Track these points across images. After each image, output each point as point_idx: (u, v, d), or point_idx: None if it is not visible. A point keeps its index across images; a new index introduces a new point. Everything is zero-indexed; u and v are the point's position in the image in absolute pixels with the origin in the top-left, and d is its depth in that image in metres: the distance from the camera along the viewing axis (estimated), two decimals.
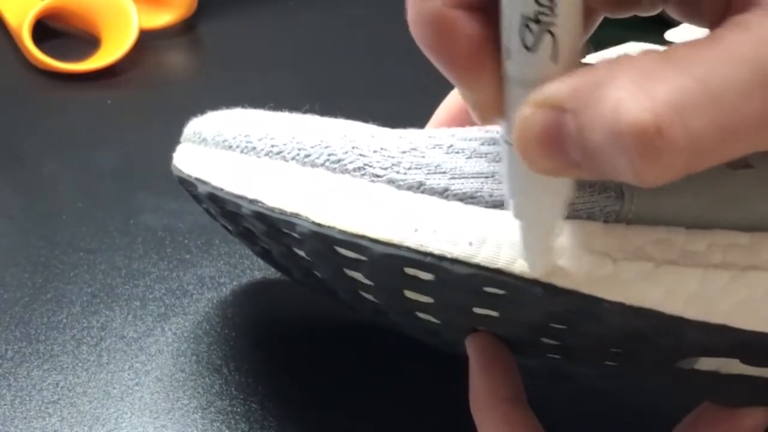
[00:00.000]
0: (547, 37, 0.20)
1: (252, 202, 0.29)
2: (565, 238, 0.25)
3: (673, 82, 0.18)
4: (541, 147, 0.20)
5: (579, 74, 0.19)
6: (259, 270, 0.40)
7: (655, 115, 0.18)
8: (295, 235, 0.28)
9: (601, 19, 0.26)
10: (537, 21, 0.20)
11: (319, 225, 0.27)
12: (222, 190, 0.30)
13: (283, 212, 0.28)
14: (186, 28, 0.57)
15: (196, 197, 0.33)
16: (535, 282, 0.25)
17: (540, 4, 0.20)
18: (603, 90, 0.19)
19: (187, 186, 0.33)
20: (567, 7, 0.20)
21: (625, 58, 0.19)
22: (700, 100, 0.18)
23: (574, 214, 0.25)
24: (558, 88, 0.20)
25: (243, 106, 0.34)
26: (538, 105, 0.20)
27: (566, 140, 0.19)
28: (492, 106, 0.22)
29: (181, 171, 0.33)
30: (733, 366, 0.27)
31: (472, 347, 0.29)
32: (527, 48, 0.20)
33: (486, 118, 0.23)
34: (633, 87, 0.18)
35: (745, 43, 0.18)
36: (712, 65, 0.18)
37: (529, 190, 0.23)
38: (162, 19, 0.56)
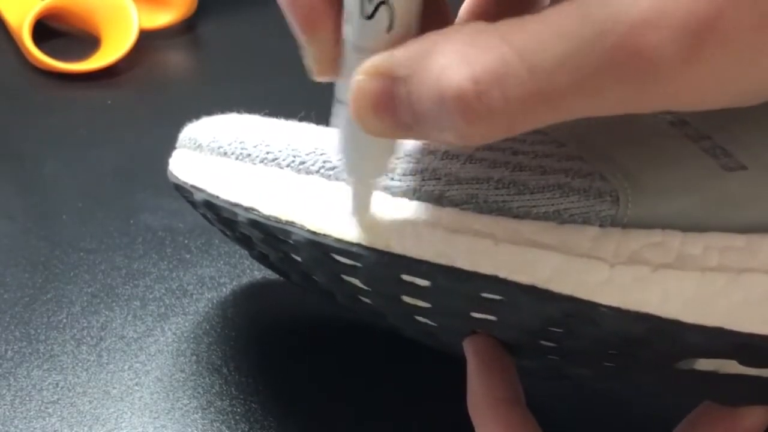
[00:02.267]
0: (384, 9, 0.21)
1: (247, 210, 0.29)
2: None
3: (493, 51, 0.19)
4: (374, 111, 0.21)
5: (411, 44, 0.21)
6: (259, 270, 0.40)
7: (474, 81, 0.19)
8: (291, 243, 0.28)
9: None
10: None
11: (314, 233, 0.27)
12: (218, 197, 0.30)
13: (278, 221, 0.28)
14: (186, 28, 0.57)
15: (193, 203, 0.33)
16: (530, 288, 0.25)
17: None
18: (430, 59, 0.20)
19: (183, 192, 0.33)
20: None
21: (452, 28, 0.21)
22: (516, 68, 0.19)
23: (569, 218, 0.25)
24: (391, 57, 0.21)
25: (243, 106, 0.34)
26: (372, 72, 0.21)
27: (398, 105, 0.21)
28: (328, 65, 0.24)
29: (177, 177, 0.33)
30: (731, 366, 0.27)
31: (470, 349, 0.29)
32: (365, 16, 0.21)
33: (320, 75, 0.24)
34: (456, 55, 0.20)
35: (564, 17, 0.19)
36: (531, 37, 0.19)
37: (361, 148, 0.24)
38: (162, 19, 0.56)
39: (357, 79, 0.21)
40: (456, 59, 0.20)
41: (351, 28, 0.22)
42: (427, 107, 0.20)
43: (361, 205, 0.26)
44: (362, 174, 0.25)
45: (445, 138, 0.21)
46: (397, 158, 0.28)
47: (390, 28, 0.21)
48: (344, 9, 0.22)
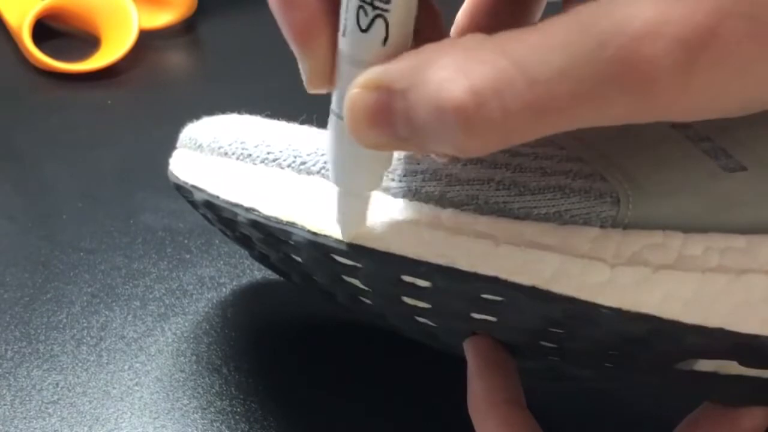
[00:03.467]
0: (380, 22, 0.21)
1: (248, 210, 0.29)
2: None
3: (491, 63, 0.19)
4: (369, 124, 0.21)
5: (407, 56, 0.21)
6: (259, 270, 0.40)
7: (473, 94, 0.19)
8: (292, 243, 0.28)
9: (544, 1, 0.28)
10: (372, 5, 0.21)
11: (314, 234, 0.27)
12: (218, 197, 0.30)
13: (278, 221, 0.28)
14: (186, 28, 0.57)
15: (193, 204, 0.33)
16: (531, 289, 0.25)
17: None
18: (428, 71, 0.20)
19: (184, 192, 0.33)
20: None
21: (450, 40, 0.21)
22: (515, 81, 0.19)
23: (570, 219, 0.25)
24: (387, 70, 0.21)
25: (243, 106, 0.34)
26: (368, 86, 0.21)
27: (394, 118, 0.21)
28: (322, 77, 0.23)
29: (177, 177, 0.33)
30: (732, 367, 0.27)
31: (470, 350, 0.29)
32: (361, 29, 0.21)
33: (314, 87, 0.24)
34: (454, 67, 0.20)
35: (562, 28, 0.19)
36: (530, 49, 0.19)
37: (353, 160, 0.24)
38: (162, 19, 0.56)
39: (353, 92, 0.21)
40: (455, 71, 0.19)
41: (347, 40, 0.22)
42: (425, 120, 0.20)
43: (352, 216, 0.26)
44: (355, 187, 0.25)
45: (442, 150, 0.21)
46: (397, 159, 0.28)
47: (386, 40, 0.21)
48: (340, 21, 0.22)
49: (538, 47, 0.19)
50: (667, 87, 0.19)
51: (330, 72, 0.23)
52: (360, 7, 0.21)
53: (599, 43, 0.19)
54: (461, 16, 0.30)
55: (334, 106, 0.24)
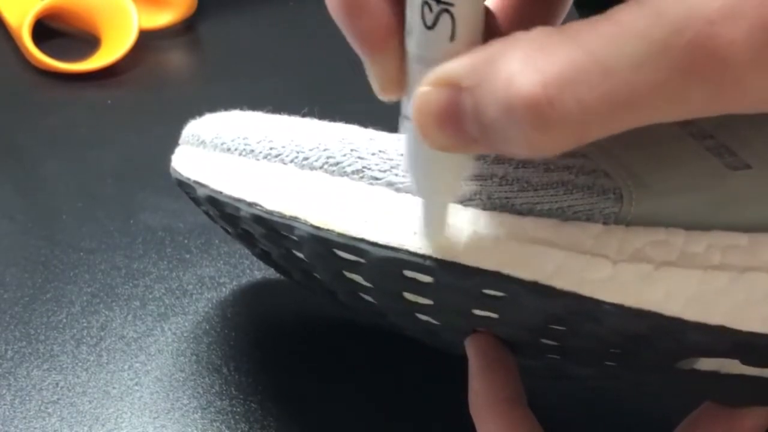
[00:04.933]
0: (446, 17, 0.20)
1: (250, 205, 0.29)
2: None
3: (563, 56, 0.18)
4: (438, 124, 0.20)
5: (475, 52, 0.20)
6: (259, 270, 0.40)
7: (545, 87, 0.18)
8: (294, 238, 0.28)
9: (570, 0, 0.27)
10: (437, 1, 0.20)
11: (317, 228, 0.27)
12: (221, 193, 0.30)
13: (281, 215, 0.28)
14: (186, 28, 0.57)
15: (195, 200, 0.33)
16: (533, 284, 0.25)
17: None
18: (496, 66, 0.19)
19: (186, 188, 0.33)
20: None
21: (518, 34, 0.20)
22: (590, 72, 0.18)
23: (573, 215, 0.25)
24: (454, 67, 0.20)
25: (243, 106, 0.34)
26: (435, 83, 0.20)
27: (463, 117, 0.20)
28: (393, 83, 0.23)
29: (179, 174, 0.33)
30: (733, 366, 0.27)
31: (471, 348, 0.29)
32: (427, 27, 0.21)
33: (386, 93, 0.23)
34: (524, 61, 0.19)
35: (636, 17, 0.18)
36: (604, 39, 0.18)
37: (430, 166, 0.23)
38: (162, 19, 0.56)
39: (420, 91, 0.20)
40: (524, 65, 0.19)
41: (413, 40, 0.21)
42: (495, 117, 0.19)
43: (434, 224, 0.25)
44: (433, 193, 0.24)
45: (514, 150, 0.20)
46: (401, 154, 0.28)
47: (453, 37, 0.20)
48: (406, 21, 0.21)
49: (612, 36, 0.18)
50: (746, 72, 0.18)
51: (401, 77, 0.22)
52: (424, 3, 0.20)
53: (675, 29, 0.18)
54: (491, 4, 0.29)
55: (406, 111, 0.23)
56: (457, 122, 0.20)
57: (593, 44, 0.18)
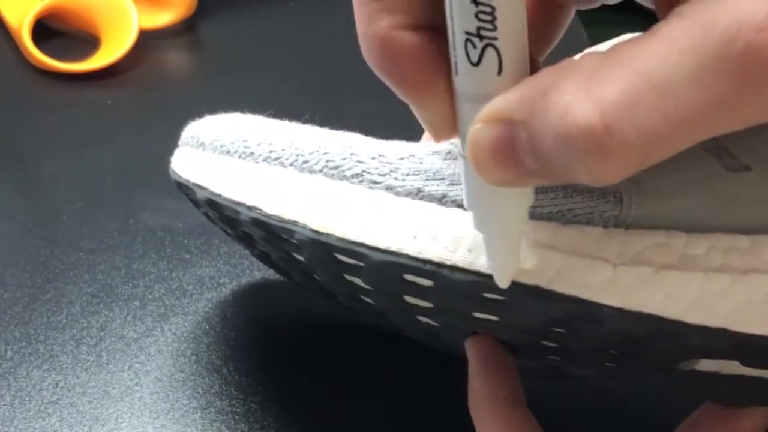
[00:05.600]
0: (491, 52, 0.20)
1: (250, 208, 0.29)
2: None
3: (616, 81, 0.18)
4: (494, 160, 0.20)
5: (525, 85, 0.20)
6: (258, 270, 0.40)
7: (602, 116, 0.18)
8: (294, 242, 0.28)
9: (572, 13, 0.27)
10: (479, 36, 0.20)
11: (317, 232, 0.27)
12: (220, 196, 0.30)
13: (281, 219, 0.28)
14: (186, 28, 0.57)
15: (195, 202, 0.33)
16: (533, 288, 0.25)
17: (481, 20, 0.20)
18: (550, 97, 0.19)
19: (185, 190, 0.33)
20: (508, 20, 0.20)
21: (567, 62, 0.19)
22: (645, 95, 0.18)
23: (573, 219, 0.25)
24: (505, 101, 0.20)
25: (243, 106, 0.34)
26: (487, 120, 0.20)
27: (519, 151, 0.20)
28: (445, 123, 0.22)
29: (179, 175, 0.33)
30: (733, 367, 0.27)
31: (471, 350, 0.29)
32: (472, 63, 0.20)
33: (440, 136, 0.23)
34: (578, 90, 0.18)
35: (685, 32, 0.18)
36: (655, 58, 0.18)
37: (489, 202, 0.23)
38: (162, 19, 0.56)
39: (473, 129, 0.20)
40: (579, 95, 0.18)
41: (460, 78, 0.21)
42: (552, 149, 0.19)
43: (502, 259, 0.24)
44: (493, 229, 0.24)
45: (575, 179, 0.19)
46: (401, 158, 0.28)
47: (500, 71, 0.20)
48: (451, 60, 0.21)
49: (663, 55, 0.18)
50: None
51: (453, 117, 0.22)
52: (467, 40, 0.20)
53: (725, 41, 0.18)
54: None
55: (461, 150, 0.22)
56: (512, 156, 0.20)
57: (644, 65, 0.18)
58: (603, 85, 0.18)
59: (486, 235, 0.24)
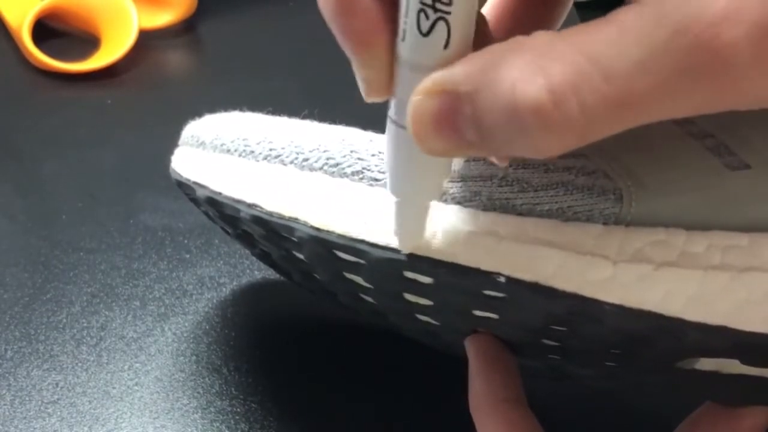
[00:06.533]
0: (441, 25, 0.20)
1: (250, 206, 0.29)
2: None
3: (567, 60, 0.19)
4: (435, 131, 0.21)
5: (472, 58, 0.20)
6: (259, 270, 0.40)
7: (551, 92, 0.19)
8: (294, 239, 0.28)
9: (569, 6, 0.28)
10: (434, 8, 0.20)
11: (317, 229, 0.27)
12: (220, 194, 0.30)
13: (281, 217, 0.28)
14: (186, 28, 0.57)
15: (195, 200, 0.33)
16: (533, 285, 0.25)
17: None
18: (499, 71, 0.19)
19: (186, 189, 0.33)
20: None
21: (516, 39, 0.20)
22: (592, 76, 0.19)
23: (573, 216, 0.25)
24: (451, 74, 0.20)
25: (243, 106, 0.34)
26: (431, 91, 0.20)
27: (461, 122, 0.20)
28: (380, 84, 0.23)
29: (179, 174, 0.33)
30: (733, 366, 0.27)
31: (472, 348, 0.29)
32: (422, 33, 0.21)
33: (373, 96, 0.23)
34: (528, 67, 0.19)
35: (637, 19, 0.19)
36: (604, 42, 0.19)
37: (409, 167, 0.23)
38: (162, 19, 0.56)
39: (416, 99, 0.21)
40: (529, 71, 0.19)
41: (406, 45, 0.21)
42: (496, 122, 0.20)
43: (412, 225, 0.25)
44: (415, 195, 0.24)
45: (514, 152, 0.20)
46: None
47: (447, 44, 0.21)
48: (399, 26, 0.21)
49: (613, 40, 0.19)
50: (746, 72, 0.18)
51: (389, 80, 0.22)
52: (421, 10, 0.20)
53: (676, 31, 0.18)
54: (490, 6, 0.29)
55: (392, 113, 0.23)
56: (454, 128, 0.20)
57: (595, 48, 0.19)
58: (553, 63, 0.19)
59: (398, 199, 0.25)
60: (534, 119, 0.19)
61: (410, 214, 0.25)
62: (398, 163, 0.24)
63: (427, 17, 0.20)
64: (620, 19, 0.19)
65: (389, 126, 0.23)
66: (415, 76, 0.21)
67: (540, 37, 0.20)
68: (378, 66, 0.22)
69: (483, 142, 0.20)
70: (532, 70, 0.19)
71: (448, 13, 0.20)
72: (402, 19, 0.21)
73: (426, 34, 0.21)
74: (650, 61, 0.19)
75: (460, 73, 0.20)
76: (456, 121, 0.20)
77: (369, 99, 0.24)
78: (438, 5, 0.20)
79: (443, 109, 0.20)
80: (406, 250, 0.26)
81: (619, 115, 0.19)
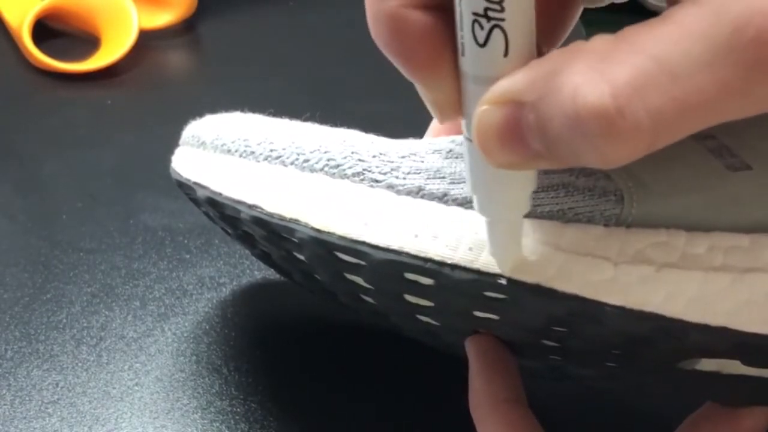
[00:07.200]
0: (497, 33, 0.20)
1: (251, 207, 0.29)
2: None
3: (628, 63, 0.18)
4: (501, 142, 0.20)
5: (533, 66, 0.20)
6: (259, 270, 0.40)
7: (615, 97, 0.18)
8: (295, 241, 0.28)
9: (580, 10, 0.27)
10: (487, 17, 0.20)
11: (318, 231, 0.27)
12: (221, 194, 0.30)
13: (282, 218, 0.28)
14: (186, 28, 0.57)
15: (195, 201, 0.33)
16: (534, 287, 0.25)
17: (488, 1, 0.20)
18: (559, 78, 0.19)
19: (186, 190, 0.33)
20: (516, 1, 0.20)
21: (576, 44, 0.19)
22: (657, 77, 0.18)
23: (574, 217, 0.25)
24: (513, 82, 0.20)
25: (243, 106, 0.34)
26: (494, 101, 0.20)
27: (526, 133, 0.20)
28: (450, 104, 0.22)
29: (179, 175, 0.33)
30: (734, 366, 0.27)
31: (472, 349, 0.29)
32: (479, 44, 0.20)
33: (445, 117, 0.23)
34: (589, 72, 0.18)
35: (696, 17, 0.18)
36: (666, 42, 0.18)
37: (492, 185, 0.23)
38: (162, 19, 0.56)
39: (479, 111, 0.20)
40: (590, 76, 0.18)
41: (467, 59, 0.21)
42: (561, 131, 0.19)
43: (505, 243, 0.24)
44: (500, 212, 0.24)
45: (582, 162, 0.19)
46: (402, 156, 0.28)
47: (506, 52, 0.20)
48: (458, 41, 0.21)
49: (675, 39, 0.18)
50: None
51: (458, 98, 0.22)
52: (474, 20, 0.20)
53: (737, 27, 0.18)
54: None
55: (465, 131, 0.22)
56: (519, 138, 0.20)
57: (656, 49, 0.18)
58: (615, 67, 0.18)
59: (488, 219, 0.24)
60: (597, 126, 0.18)
61: (501, 232, 0.24)
62: (478, 181, 0.23)
63: (481, 27, 0.20)
64: (678, 17, 0.18)
65: (465, 144, 0.23)
66: (479, 89, 0.20)
67: (600, 40, 0.19)
68: (445, 87, 0.22)
69: (550, 152, 0.20)
70: (594, 75, 0.18)
71: (503, 20, 0.20)
72: (459, 34, 0.21)
73: (483, 45, 0.20)
74: (715, 59, 0.18)
75: (521, 81, 0.20)
76: (521, 131, 0.20)
77: (443, 121, 0.23)
78: (490, 13, 0.20)
79: (508, 120, 0.20)
80: (505, 271, 0.25)
81: (689, 117, 0.18)
